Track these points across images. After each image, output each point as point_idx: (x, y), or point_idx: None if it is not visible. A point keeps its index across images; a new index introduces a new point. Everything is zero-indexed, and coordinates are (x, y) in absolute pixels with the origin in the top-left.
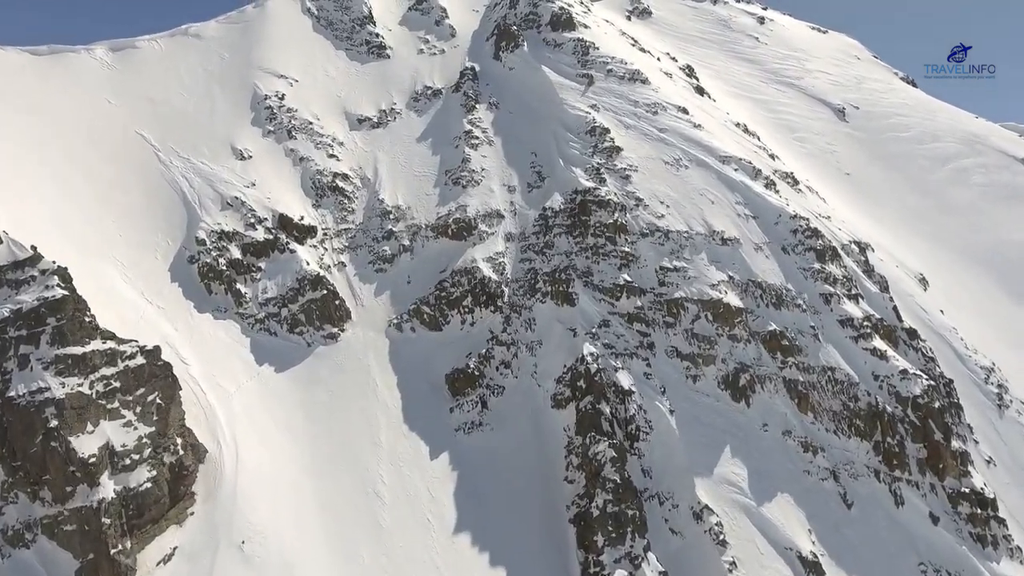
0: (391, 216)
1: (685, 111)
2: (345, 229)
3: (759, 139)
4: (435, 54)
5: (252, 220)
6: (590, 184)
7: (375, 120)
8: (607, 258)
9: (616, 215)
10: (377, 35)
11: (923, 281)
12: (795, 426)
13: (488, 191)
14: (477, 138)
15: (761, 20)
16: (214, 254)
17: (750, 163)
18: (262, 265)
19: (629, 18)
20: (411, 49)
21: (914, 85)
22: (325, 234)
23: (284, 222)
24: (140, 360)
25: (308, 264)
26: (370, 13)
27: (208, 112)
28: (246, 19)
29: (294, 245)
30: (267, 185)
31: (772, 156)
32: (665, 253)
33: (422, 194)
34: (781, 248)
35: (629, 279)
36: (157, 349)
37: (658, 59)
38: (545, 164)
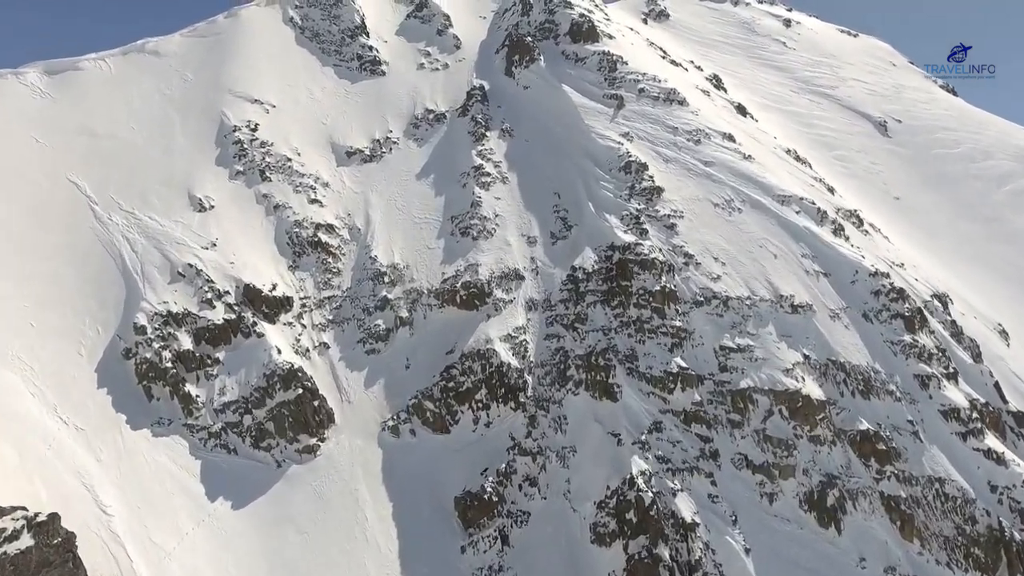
0: (386, 278)
1: (731, 138)
2: (329, 297)
3: (811, 167)
4: (437, 69)
5: (209, 295)
6: (629, 238)
7: (367, 152)
8: (654, 336)
9: (663, 279)
10: (371, 48)
11: (1003, 334)
12: (899, 559)
13: (503, 244)
14: (488, 174)
15: (787, 23)
16: (157, 346)
17: (812, 203)
18: (220, 356)
19: (645, 21)
20: (410, 64)
21: (954, 93)
22: (304, 306)
23: (251, 294)
24: (25, 541)
25: (279, 352)
26: (363, 22)
27: (163, 149)
28: (216, 31)
29: (262, 326)
30: (232, 244)
31: (830, 189)
32: (725, 327)
33: (423, 247)
34: (862, 315)
35: (683, 364)
36: (53, 520)
37: (686, 69)
38: (571, 208)
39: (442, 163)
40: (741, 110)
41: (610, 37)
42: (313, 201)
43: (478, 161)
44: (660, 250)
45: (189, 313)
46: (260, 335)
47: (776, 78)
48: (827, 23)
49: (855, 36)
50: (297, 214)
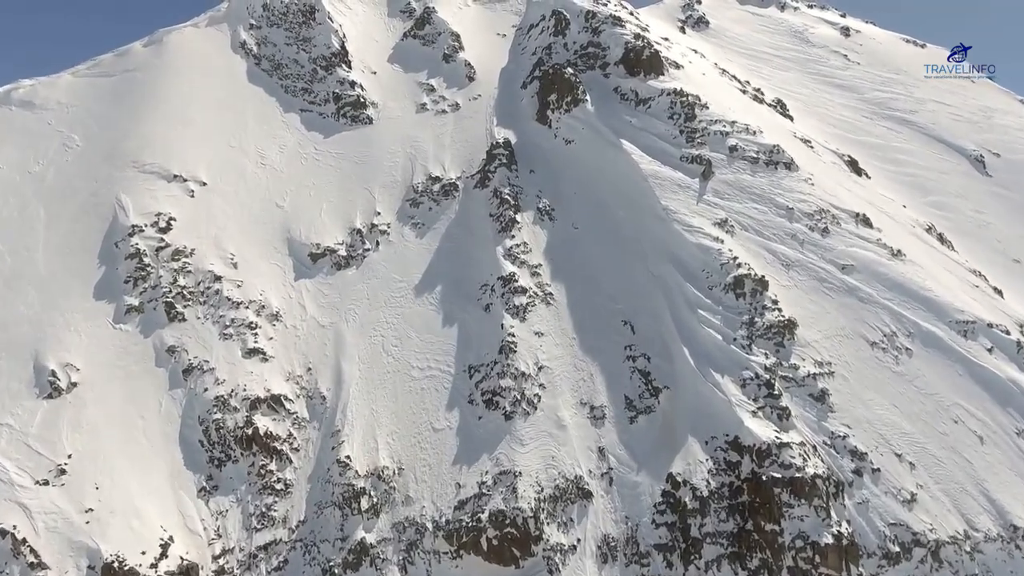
0: (364, 500)
1: (866, 222)
2: (269, 545)
3: (953, 247)
4: (445, 111)
5: None
6: (765, 432)
7: (342, 253)
8: None
9: (833, 517)
10: (353, 84)
11: None
12: None
13: (554, 425)
14: (524, 290)
15: (846, 31)
16: None
17: (1005, 332)
18: None
19: (683, 29)
20: (406, 104)
21: None
22: (222, 572)
23: None
24: None
25: None
26: (343, 47)
27: (12, 275)
28: (128, 67)
29: None
30: (94, 465)
31: (998, 291)
32: None
33: (425, 430)
34: None
35: None
36: None
37: (771, 105)
38: (655, 353)
39: (453, 265)
40: (854, 166)
41: (677, 66)
42: (252, 352)
43: (507, 267)
44: (815, 449)
45: None
46: None
47: (842, 99)
48: (886, 30)
49: (923, 47)
50: (221, 383)
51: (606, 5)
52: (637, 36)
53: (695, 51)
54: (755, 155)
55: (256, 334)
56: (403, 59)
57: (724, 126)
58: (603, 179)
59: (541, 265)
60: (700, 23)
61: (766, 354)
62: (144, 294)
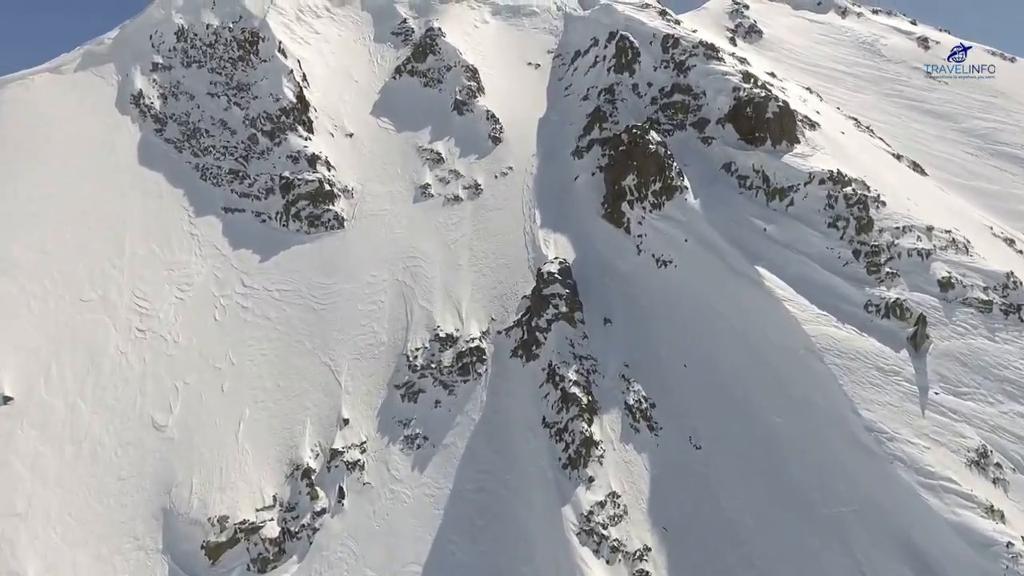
0: None
1: None
2: None
3: None
4: (458, 198)
5: None
6: None
7: (270, 536)
8: None
9: None
10: (314, 160)
11: None
12: None
13: None
14: None
15: (924, 43)
16: None
17: None
18: None
19: (733, 40)
20: (399, 186)
21: None
22: None
23: None
24: None
25: None
26: (300, 97)
27: None
28: None
29: None
30: None
31: None
32: None
33: None
34: None
35: None
36: None
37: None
38: None
39: (482, 554)
40: None
41: (812, 125)
42: None
43: (588, 564)
44: None
45: None
46: None
47: (935, 129)
48: (966, 40)
49: (1011, 60)
50: None
51: (678, 23)
52: (747, 77)
53: (839, 111)
54: (983, 297)
55: None
56: (395, 109)
57: (919, 238)
58: (732, 339)
59: (649, 551)
60: (752, 33)
61: None
62: None
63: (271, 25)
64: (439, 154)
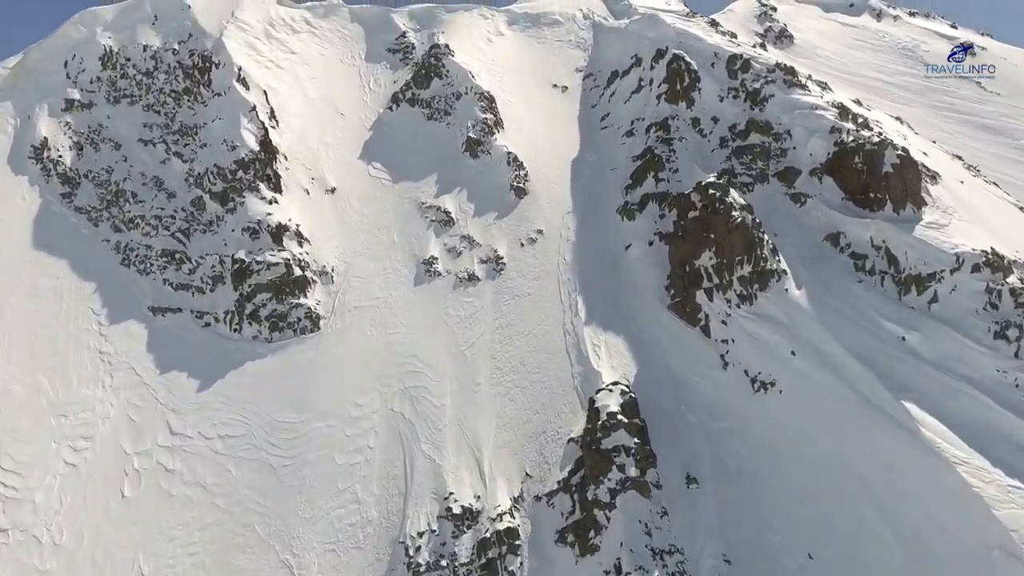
0: None
1: None
2: None
3: None
4: (474, 277)
5: None
6: None
7: None
8: None
9: None
10: (278, 232)
11: None
12: None
13: None
14: None
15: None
16: None
17: None
18: None
19: (763, 45)
20: (395, 260)
21: None
22: None
23: None
24: None
25: None
26: (264, 142)
27: None
28: None
29: None
30: None
31: None
32: None
33: None
34: None
35: None
36: None
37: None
38: None
39: None
40: None
41: (931, 176)
42: None
43: None
44: None
45: None
46: None
47: (992, 146)
48: (1009, 44)
49: None
50: None
51: (734, 38)
52: (844, 113)
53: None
54: None
55: None
56: (391, 151)
57: None
58: (875, 517)
59: None
60: (783, 37)
61: None
62: None
63: (229, 46)
64: (447, 213)
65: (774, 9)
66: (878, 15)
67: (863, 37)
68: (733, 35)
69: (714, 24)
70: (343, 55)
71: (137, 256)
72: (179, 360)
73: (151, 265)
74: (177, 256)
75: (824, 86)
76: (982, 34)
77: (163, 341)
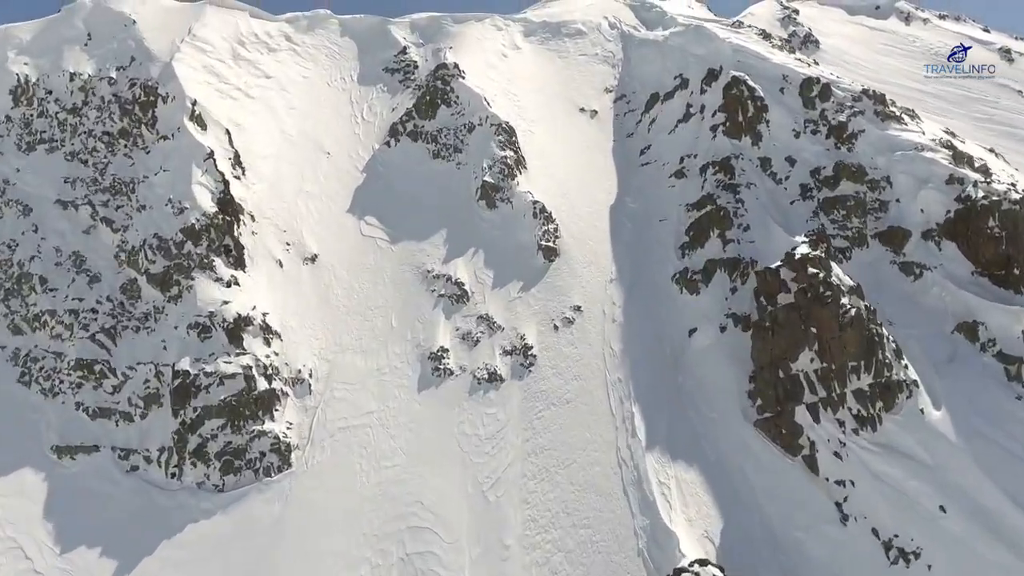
0: None
1: None
2: None
3: None
4: (497, 378)
5: None
6: None
7: None
8: None
9: None
10: (241, 326)
11: None
12: None
13: None
14: None
15: (1008, 55)
16: None
17: None
18: None
19: (791, 50)
20: (393, 356)
21: None
22: None
23: None
24: None
25: None
26: (223, 199)
27: None
28: None
29: None
30: None
31: None
32: None
33: None
34: None
35: None
36: None
37: None
38: None
39: None
40: None
41: None
42: None
43: None
44: None
45: None
46: None
47: None
48: None
49: None
50: None
51: (797, 47)
52: (958, 156)
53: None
54: None
55: None
56: (389, 201)
57: None
58: None
59: None
60: (808, 43)
61: None
62: None
63: (181, 72)
64: (460, 285)
65: (797, 12)
66: (906, 18)
67: (892, 42)
68: (803, 56)
69: (766, 36)
70: (331, 77)
71: (42, 370)
72: (92, 529)
73: (60, 383)
74: (97, 368)
75: (912, 114)
76: (1016, 38)
77: (70, 499)
